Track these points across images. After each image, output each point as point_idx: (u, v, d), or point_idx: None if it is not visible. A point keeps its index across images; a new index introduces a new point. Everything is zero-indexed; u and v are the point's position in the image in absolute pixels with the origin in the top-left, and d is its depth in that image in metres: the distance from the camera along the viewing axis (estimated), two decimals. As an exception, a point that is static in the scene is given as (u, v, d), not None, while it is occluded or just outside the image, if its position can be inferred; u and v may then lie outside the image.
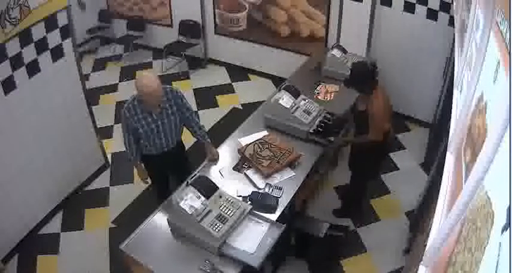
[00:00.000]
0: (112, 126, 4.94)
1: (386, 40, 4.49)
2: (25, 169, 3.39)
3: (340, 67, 4.09)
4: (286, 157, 3.02)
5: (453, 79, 1.88)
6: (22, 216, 3.50)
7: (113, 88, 5.75)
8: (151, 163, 3.11)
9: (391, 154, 4.39)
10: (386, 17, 4.36)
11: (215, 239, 2.37)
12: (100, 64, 6.36)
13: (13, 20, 2.92)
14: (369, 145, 3.04)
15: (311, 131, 3.24)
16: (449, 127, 1.60)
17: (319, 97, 3.89)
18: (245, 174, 2.99)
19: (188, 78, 5.92)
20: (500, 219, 0.65)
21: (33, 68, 3.23)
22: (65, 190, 3.90)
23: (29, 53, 3.15)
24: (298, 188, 2.92)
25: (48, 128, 3.55)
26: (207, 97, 5.48)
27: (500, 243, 0.61)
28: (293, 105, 3.30)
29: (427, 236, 1.14)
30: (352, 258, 3.37)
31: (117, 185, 4.16)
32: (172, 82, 5.68)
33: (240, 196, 2.77)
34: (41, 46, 3.25)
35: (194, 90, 5.63)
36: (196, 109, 5.17)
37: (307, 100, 3.41)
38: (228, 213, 2.46)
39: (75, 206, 3.91)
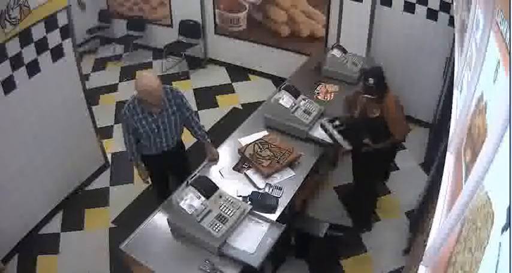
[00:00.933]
0: (112, 126, 4.94)
1: (386, 40, 4.49)
2: (25, 169, 3.39)
3: (340, 67, 4.09)
4: (286, 157, 3.02)
5: (453, 79, 1.88)
6: (22, 216, 3.50)
7: (113, 88, 5.75)
8: (151, 163, 3.11)
9: (391, 154, 4.40)
10: (386, 17, 4.36)
11: (215, 239, 2.37)
12: (100, 64, 6.36)
13: (13, 20, 2.92)
14: (382, 148, 3.04)
15: (348, 148, 3.08)
16: (449, 127, 1.60)
17: (319, 97, 3.89)
18: (245, 174, 2.99)
19: (188, 78, 5.92)
20: (500, 219, 0.65)
21: (33, 68, 3.23)
22: (65, 190, 3.90)
23: (29, 53, 3.15)
24: (298, 188, 2.92)
25: (48, 128, 3.55)
26: (207, 97, 5.48)
27: (500, 243, 0.61)
28: (293, 105, 3.30)
29: (427, 236, 1.14)
30: (352, 258, 3.37)
31: (117, 185, 4.16)
32: (172, 82, 5.68)
33: (240, 196, 2.77)
34: (41, 46, 3.25)
35: (194, 90, 5.63)
36: (196, 109, 5.17)
37: (307, 100, 3.41)
38: (228, 213, 2.46)
39: (75, 206, 3.91)
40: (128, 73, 5.97)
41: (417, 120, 4.77)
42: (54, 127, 3.60)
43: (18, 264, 3.39)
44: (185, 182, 2.61)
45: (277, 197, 2.78)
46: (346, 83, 4.07)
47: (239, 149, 3.12)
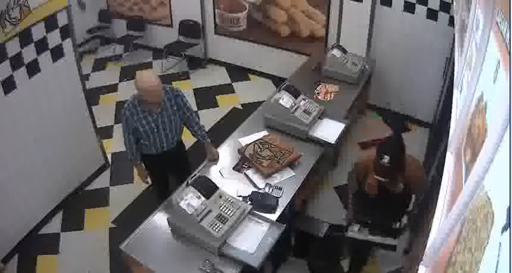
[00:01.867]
0: (112, 126, 4.94)
1: (386, 40, 4.49)
2: (25, 169, 3.39)
3: (340, 67, 4.10)
4: (286, 157, 3.02)
5: (453, 79, 1.88)
6: (22, 216, 3.50)
7: (113, 88, 5.75)
8: (151, 163, 3.11)
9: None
10: (386, 17, 4.36)
11: (215, 239, 2.37)
12: (100, 64, 6.36)
13: (13, 20, 2.92)
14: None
15: (394, 243, 2.64)
16: (449, 127, 1.60)
17: (319, 97, 3.89)
18: (245, 174, 2.99)
19: (188, 78, 5.92)
20: (500, 219, 0.65)
21: (33, 68, 3.23)
22: (65, 190, 3.90)
23: (29, 53, 3.15)
24: (298, 188, 2.92)
25: (48, 128, 3.55)
26: (207, 97, 5.47)
27: (500, 243, 0.61)
28: (293, 105, 3.30)
29: (427, 236, 1.14)
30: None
31: (117, 185, 4.16)
32: (172, 82, 5.67)
33: (240, 196, 2.77)
34: (41, 46, 3.25)
35: (194, 90, 5.63)
36: (196, 109, 5.16)
37: (307, 100, 3.41)
38: (228, 213, 2.46)
39: (75, 206, 3.91)
40: (127, 73, 5.97)
41: (417, 120, 4.78)
42: (54, 127, 3.60)
43: (18, 264, 3.39)
44: (185, 182, 2.61)
45: (277, 197, 2.78)
46: (346, 83, 4.08)
47: (239, 149, 3.12)
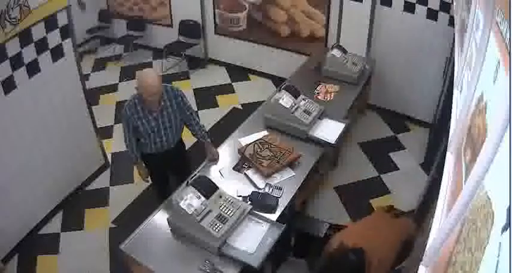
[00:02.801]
0: (112, 126, 4.94)
1: (386, 40, 4.49)
2: (25, 169, 3.39)
3: (340, 67, 4.10)
4: (286, 157, 3.02)
5: (453, 79, 1.88)
6: (22, 216, 3.50)
7: (113, 88, 5.75)
8: (151, 163, 3.11)
9: (391, 154, 4.40)
10: (386, 17, 4.36)
11: (215, 239, 2.37)
12: (100, 64, 6.35)
13: (13, 20, 2.92)
14: None
15: None
16: (449, 127, 1.60)
17: (319, 97, 3.89)
18: (245, 174, 2.99)
19: (188, 78, 5.91)
20: (500, 219, 0.65)
21: (33, 68, 3.23)
22: (65, 190, 3.90)
23: (29, 53, 3.15)
24: (298, 188, 2.92)
25: (48, 128, 3.55)
26: (207, 97, 5.47)
27: (500, 243, 0.61)
28: (293, 105, 3.30)
29: (427, 236, 1.14)
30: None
31: (117, 185, 4.15)
32: (172, 82, 5.66)
33: (240, 196, 2.77)
34: (41, 46, 3.25)
35: (194, 90, 5.63)
36: (196, 109, 5.16)
37: (307, 100, 3.41)
38: (228, 213, 2.46)
39: (75, 206, 3.91)
40: (128, 73, 5.97)
41: (417, 120, 4.78)
42: (54, 127, 3.60)
43: (18, 264, 3.39)
44: (185, 182, 2.60)
45: (277, 197, 2.78)
46: (346, 83, 4.08)
47: (239, 149, 3.12)
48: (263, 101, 3.97)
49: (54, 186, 3.77)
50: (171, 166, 3.20)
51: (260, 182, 2.90)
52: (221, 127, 4.77)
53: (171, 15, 5.98)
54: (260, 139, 3.19)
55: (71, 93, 3.73)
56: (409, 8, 4.19)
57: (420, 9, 4.14)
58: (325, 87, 4.03)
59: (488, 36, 1.15)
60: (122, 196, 3.99)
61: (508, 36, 0.87)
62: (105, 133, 4.59)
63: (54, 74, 3.45)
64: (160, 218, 2.67)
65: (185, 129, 3.09)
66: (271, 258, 2.77)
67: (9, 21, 2.89)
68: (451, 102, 1.74)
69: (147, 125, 2.80)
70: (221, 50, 5.95)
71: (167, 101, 2.81)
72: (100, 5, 6.49)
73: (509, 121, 0.71)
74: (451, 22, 3.82)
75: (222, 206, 2.49)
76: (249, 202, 2.68)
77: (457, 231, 0.92)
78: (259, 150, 3.06)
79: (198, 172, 2.98)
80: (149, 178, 3.20)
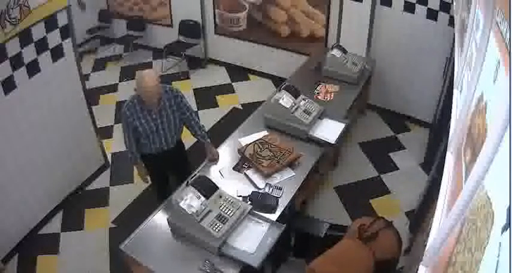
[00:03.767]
0: (112, 126, 4.93)
1: (386, 40, 4.49)
2: (25, 169, 3.39)
3: (340, 67, 4.10)
4: (286, 157, 3.02)
5: (453, 79, 1.88)
6: (22, 216, 3.50)
7: (113, 88, 5.75)
8: (151, 162, 3.11)
9: (391, 154, 4.40)
10: (386, 17, 4.36)
11: (215, 239, 2.37)
12: (100, 64, 6.35)
13: (13, 20, 2.92)
14: None
15: None
16: (449, 127, 1.60)
17: (319, 97, 3.89)
18: (245, 174, 2.99)
19: (188, 78, 5.91)
20: (500, 219, 0.65)
21: (33, 68, 3.23)
22: (65, 190, 3.90)
23: (29, 53, 3.15)
24: (298, 188, 2.92)
25: (48, 128, 3.55)
26: (207, 97, 5.47)
27: (500, 243, 0.61)
28: (293, 105, 3.30)
29: (427, 236, 1.14)
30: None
31: (117, 185, 4.15)
32: (172, 82, 5.67)
33: (240, 196, 2.77)
34: (41, 46, 3.25)
35: (194, 90, 5.62)
36: (196, 109, 5.16)
37: (307, 100, 3.41)
38: (228, 213, 2.46)
39: (75, 206, 3.91)
40: (128, 73, 5.97)
41: (417, 120, 4.78)
42: (54, 127, 3.60)
43: (18, 264, 3.39)
44: (185, 182, 2.61)
45: (277, 197, 2.78)
46: (346, 83, 4.08)
47: (239, 149, 3.12)
48: (263, 101, 3.97)
49: (54, 186, 3.77)
50: (171, 166, 3.20)
51: (260, 182, 2.90)
52: (221, 127, 4.77)
53: (171, 15, 5.98)
54: (260, 139, 3.19)
55: (71, 93, 3.73)
56: (409, 8, 4.19)
57: (420, 9, 4.14)
58: (325, 87, 4.03)
59: (488, 36, 1.15)
60: (122, 196, 3.99)
61: (508, 36, 0.87)
62: (105, 133, 4.59)
63: (54, 74, 3.45)
64: (160, 218, 2.67)
65: (185, 129, 3.09)
66: (271, 258, 2.77)
67: (9, 21, 2.89)
68: (451, 102, 1.74)
69: (146, 125, 2.80)
70: (221, 50, 5.95)
71: (166, 102, 2.82)
72: (100, 5, 6.49)
73: (509, 121, 0.71)
74: (451, 22, 3.82)
75: (222, 206, 2.49)
76: (249, 202, 2.69)
77: (457, 231, 0.92)
78: (259, 150, 3.06)
79: (198, 172, 2.98)
80: (149, 178, 3.20)
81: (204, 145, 3.12)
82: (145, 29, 6.28)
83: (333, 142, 3.25)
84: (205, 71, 6.04)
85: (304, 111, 3.32)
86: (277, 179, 2.94)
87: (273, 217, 2.65)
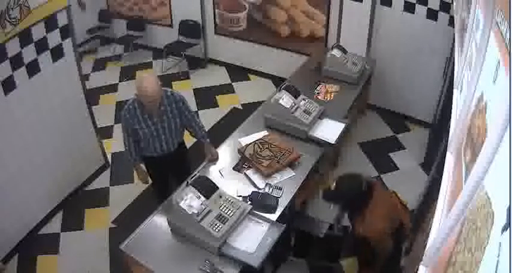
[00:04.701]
0: (112, 126, 4.93)
1: (386, 40, 4.49)
2: (25, 169, 3.39)
3: (340, 67, 4.10)
4: (286, 157, 3.01)
5: (453, 79, 1.88)
6: (22, 216, 3.50)
7: (113, 88, 5.75)
8: (151, 164, 3.11)
9: (391, 154, 4.40)
10: (386, 17, 4.36)
11: (215, 239, 2.37)
12: (100, 64, 6.35)
13: (13, 20, 2.92)
14: None
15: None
16: (449, 127, 1.60)
17: (319, 97, 3.89)
18: (245, 174, 2.99)
19: (188, 78, 5.91)
20: (500, 219, 0.65)
21: (33, 68, 3.23)
22: (65, 190, 3.90)
23: (29, 53, 3.15)
24: (298, 188, 2.92)
25: (48, 128, 3.55)
26: (207, 97, 5.47)
27: (500, 243, 0.61)
28: (293, 105, 3.30)
29: (427, 236, 1.14)
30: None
31: (117, 185, 4.15)
32: (172, 82, 5.68)
33: (240, 196, 2.77)
34: (41, 46, 3.24)
35: (194, 90, 5.62)
36: (196, 109, 5.16)
37: (307, 100, 3.40)
38: (228, 213, 2.46)
39: (75, 206, 3.91)
40: (128, 73, 5.97)
41: (417, 120, 4.78)
42: (54, 127, 3.60)
43: (18, 264, 3.39)
44: (185, 182, 2.60)
45: (277, 197, 2.78)
46: (346, 83, 4.08)
47: (239, 149, 3.12)
48: (263, 101, 3.97)
49: (54, 186, 3.77)
50: (171, 168, 3.20)
51: (260, 182, 2.90)
52: (221, 127, 4.77)
53: (171, 15, 5.98)
54: (260, 139, 3.19)
55: (71, 93, 3.73)
56: (409, 8, 4.19)
57: (420, 9, 4.14)
58: (325, 87, 4.03)
59: (488, 36, 1.15)
60: (122, 196, 3.99)
61: (508, 36, 0.87)
62: (105, 133, 4.59)
63: (54, 74, 3.45)
64: (160, 218, 2.66)
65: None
66: (271, 258, 2.77)
67: (9, 21, 2.89)
68: (451, 102, 1.74)
69: (146, 130, 2.79)
70: (221, 50, 5.95)
71: (168, 106, 2.79)
72: (100, 5, 6.49)
73: (509, 121, 0.71)
74: (451, 22, 3.82)
75: (222, 206, 2.49)
76: (249, 202, 2.68)
77: (457, 231, 0.92)
78: (259, 150, 3.06)
79: (198, 172, 2.98)
80: (149, 179, 3.20)
81: (204, 146, 3.12)
82: (145, 29, 6.28)
83: (333, 142, 3.25)
84: (205, 71, 6.04)
85: (304, 111, 3.32)
86: (277, 179, 2.94)
87: (273, 217, 2.65)
